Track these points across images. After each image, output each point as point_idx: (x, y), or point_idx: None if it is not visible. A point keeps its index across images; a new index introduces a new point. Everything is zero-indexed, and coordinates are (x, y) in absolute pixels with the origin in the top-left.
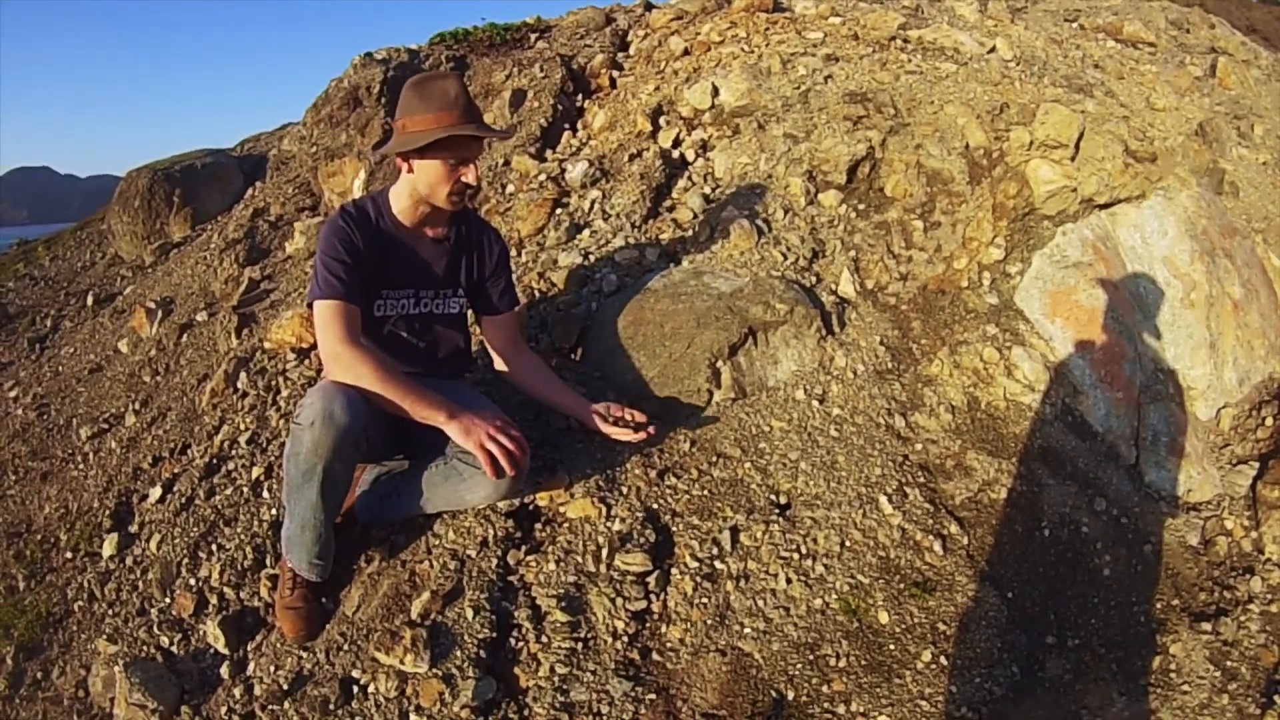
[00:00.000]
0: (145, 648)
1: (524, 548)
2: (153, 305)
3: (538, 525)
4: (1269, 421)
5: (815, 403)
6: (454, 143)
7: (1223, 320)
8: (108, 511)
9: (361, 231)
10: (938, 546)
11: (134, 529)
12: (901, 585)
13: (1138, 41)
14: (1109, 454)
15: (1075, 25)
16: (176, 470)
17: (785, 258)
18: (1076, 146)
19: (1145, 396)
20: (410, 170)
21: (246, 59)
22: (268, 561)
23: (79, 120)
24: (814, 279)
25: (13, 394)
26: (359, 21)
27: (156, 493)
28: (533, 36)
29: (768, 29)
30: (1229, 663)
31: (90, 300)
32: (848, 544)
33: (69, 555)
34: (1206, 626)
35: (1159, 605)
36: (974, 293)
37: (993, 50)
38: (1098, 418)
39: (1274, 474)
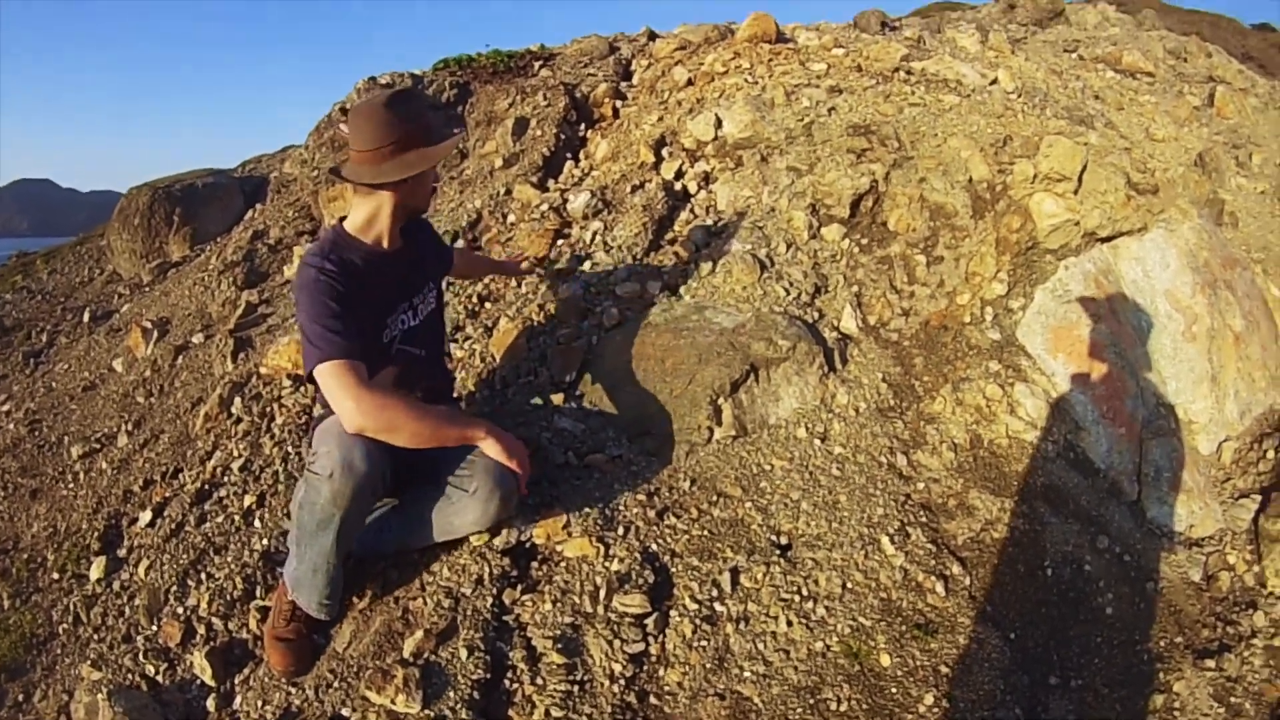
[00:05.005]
0: (130, 675)
1: (520, 587)
2: (149, 325)
3: (534, 564)
4: (1270, 454)
5: (817, 441)
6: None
7: (1224, 353)
8: (96, 533)
9: (344, 284)
10: (940, 587)
11: (122, 553)
12: (903, 627)
13: (1136, 71)
14: (1111, 491)
15: (1075, 55)
16: (167, 495)
17: (788, 293)
18: (1080, 179)
19: (1147, 432)
20: (403, 188)
21: (248, 80)
22: (258, 593)
23: (82, 135)
24: (816, 314)
25: (5, 408)
26: (362, 44)
27: (146, 517)
28: (536, 64)
29: (771, 60)
30: (1233, 699)
31: (86, 317)
32: (849, 585)
33: (55, 576)
34: (1210, 663)
35: (1162, 642)
36: (976, 328)
37: (994, 82)
38: (1100, 454)
39: (1276, 507)
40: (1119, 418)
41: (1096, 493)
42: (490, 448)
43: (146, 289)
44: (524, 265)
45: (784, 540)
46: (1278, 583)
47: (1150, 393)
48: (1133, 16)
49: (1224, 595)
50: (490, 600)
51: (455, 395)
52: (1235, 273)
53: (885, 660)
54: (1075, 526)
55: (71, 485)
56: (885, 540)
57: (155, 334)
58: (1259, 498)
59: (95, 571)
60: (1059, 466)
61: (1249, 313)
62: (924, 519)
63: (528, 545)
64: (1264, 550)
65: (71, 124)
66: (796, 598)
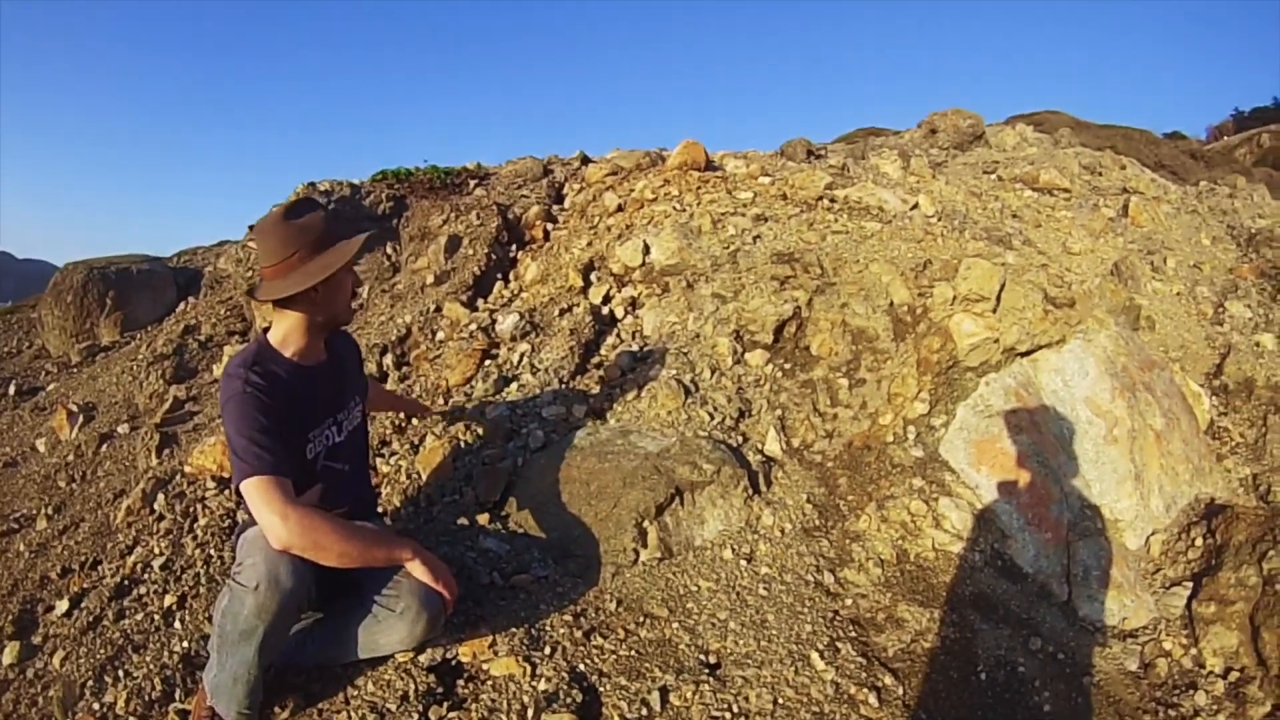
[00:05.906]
0: None
1: (446, 704)
2: (75, 409)
3: (460, 682)
4: (1199, 542)
5: (743, 562)
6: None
7: (1146, 452)
8: (11, 617)
9: (270, 397)
10: (872, 699)
11: (37, 640)
12: None
13: (1053, 188)
14: (1041, 593)
15: (994, 177)
16: (86, 586)
17: (712, 417)
18: (998, 298)
19: (1074, 534)
20: (313, 300)
21: (189, 171)
22: (178, 695)
23: (23, 201)
24: (740, 438)
25: None
26: (303, 147)
27: (63, 606)
28: (472, 183)
29: (700, 188)
30: None
31: (12, 390)
32: (780, 701)
33: None
34: None
35: None
36: (900, 447)
37: (915, 207)
38: (1027, 559)
39: (1208, 590)
40: (1044, 523)
41: (1026, 596)
42: (417, 569)
43: (75, 370)
44: (430, 408)
45: (713, 659)
46: (1216, 662)
47: (1075, 496)
48: (1050, 135)
49: (1162, 680)
50: (416, 717)
51: (380, 510)
52: (1154, 374)
53: None
54: (1006, 631)
55: None
56: (815, 656)
57: (81, 418)
58: (1190, 584)
59: (8, 656)
60: (987, 575)
61: (1169, 411)
62: (853, 633)
63: (453, 663)
64: (1200, 632)
65: (16, 190)
66: (727, 714)
